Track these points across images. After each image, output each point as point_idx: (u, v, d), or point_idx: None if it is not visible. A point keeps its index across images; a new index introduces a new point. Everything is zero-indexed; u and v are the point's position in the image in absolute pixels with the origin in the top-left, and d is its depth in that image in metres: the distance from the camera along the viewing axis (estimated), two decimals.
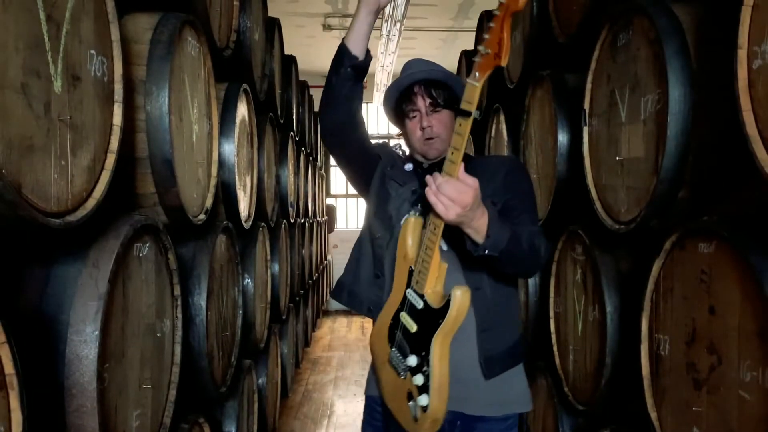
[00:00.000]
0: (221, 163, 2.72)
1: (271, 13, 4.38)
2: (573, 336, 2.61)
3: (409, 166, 1.93)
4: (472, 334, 1.75)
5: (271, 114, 4.14)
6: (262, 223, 3.76)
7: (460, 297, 1.57)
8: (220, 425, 2.83)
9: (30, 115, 1.22)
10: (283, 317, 4.60)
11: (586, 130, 2.38)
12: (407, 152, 2.00)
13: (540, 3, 3.05)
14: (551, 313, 2.85)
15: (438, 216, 1.49)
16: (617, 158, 2.12)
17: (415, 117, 1.83)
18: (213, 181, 2.53)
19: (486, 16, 4.37)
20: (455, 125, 1.49)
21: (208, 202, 2.46)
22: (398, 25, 8.32)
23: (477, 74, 1.44)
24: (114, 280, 1.54)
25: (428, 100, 1.80)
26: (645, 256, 1.94)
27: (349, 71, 1.79)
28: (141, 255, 1.81)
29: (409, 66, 1.88)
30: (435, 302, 1.61)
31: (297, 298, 5.85)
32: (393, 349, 1.72)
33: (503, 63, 1.38)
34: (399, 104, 1.86)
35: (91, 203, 1.48)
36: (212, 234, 2.52)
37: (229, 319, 2.87)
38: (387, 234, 1.87)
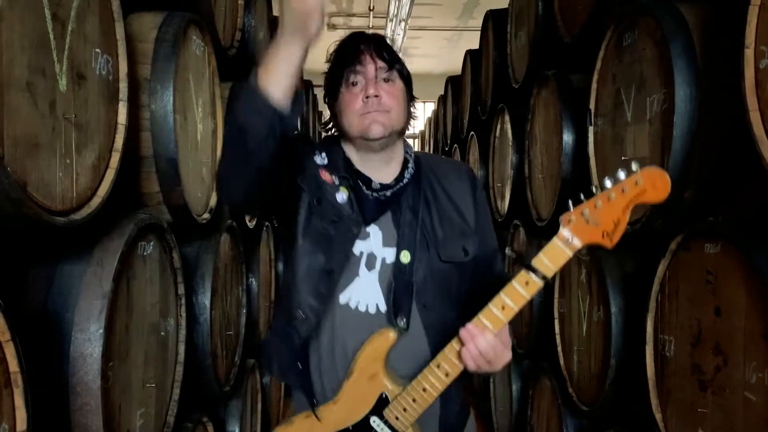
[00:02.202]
0: None
1: (275, 13, 4.38)
2: (577, 337, 2.61)
3: (341, 197, 1.44)
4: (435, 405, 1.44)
5: None
6: (267, 223, 3.76)
7: None
8: (224, 424, 2.83)
9: (35, 113, 1.23)
10: None
11: (591, 130, 2.37)
12: (325, 159, 1.49)
13: (545, 3, 3.04)
14: (555, 314, 2.84)
15: (459, 363, 1.29)
16: (623, 158, 2.11)
17: (356, 84, 1.41)
18: None
19: (492, 17, 4.36)
20: (520, 281, 1.24)
21: (213, 201, 2.46)
22: (403, 24, 8.32)
23: (573, 239, 1.22)
24: (118, 278, 1.55)
25: (379, 62, 1.41)
26: (650, 257, 1.93)
27: (270, 127, 1.21)
28: (145, 254, 1.81)
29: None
30: None
31: None
32: None
33: (610, 247, 1.20)
34: (336, 76, 1.44)
35: (96, 202, 1.48)
36: (216, 233, 2.53)
37: (233, 318, 2.87)
38: (319, 310, 1.43)
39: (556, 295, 2.84)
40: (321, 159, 1.49)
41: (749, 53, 1.43)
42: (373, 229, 1.47)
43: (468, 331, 1.26)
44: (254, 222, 3.35)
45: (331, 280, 1.42)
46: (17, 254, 1.45)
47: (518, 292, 1.24)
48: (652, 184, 1.18)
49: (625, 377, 2.17)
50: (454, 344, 1.31)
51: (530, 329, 3.19)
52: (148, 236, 1.83)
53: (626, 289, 2.20)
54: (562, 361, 2.75)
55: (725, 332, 1.57)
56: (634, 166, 1.19)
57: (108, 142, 1.58)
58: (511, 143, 3.61)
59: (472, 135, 4.96)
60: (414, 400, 1.35)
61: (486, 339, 1.25)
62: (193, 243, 2.42)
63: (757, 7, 1.42)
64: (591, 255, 2.43)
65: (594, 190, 1.24)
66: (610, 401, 2.29)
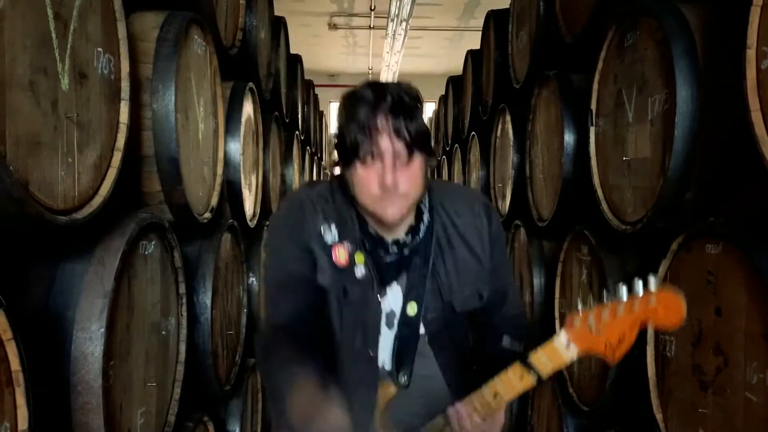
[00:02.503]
0: (227, 161, 2.72)
1: (276, 12, 4.38)
2: None
3: (360, 271, 1.41)
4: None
5: (276, 113, 4.15)
6: (268, 222, 3.76)
7: None
8: (225, 424, 2.83)
9: (37, 112, 1.23)
10: None
11: (592, 131, 2.37)
12: (335, 232, 1.41)
13: (546, 3, 3.04)
14: (556, 314, 2.84)
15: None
16: (624, 158, 2.11)
17: (371, 165, 1.27)
18: (218, 180, 2.53)
19: (493, 17, 4.36)
20: (516, 373, 1.23)
21: (214, 201, 2.47)
22: (404, 24, 8.32)
23: (572, 344, 1.18)
24: (120, 277, 1.55)
25: (397, 145, 1.25)
26: (651, 257, 1.93)
27: None
28: (146, 253, 1.81)
29: (366, 82, 1.34)
30: None
31: None
32: None
33: (612, 362, 1.18)
34: (349, 146, 1.28)
35: (98, 201, 1.48)
36: (217, 232, 2.53)
37: (234, 317, 2.87)
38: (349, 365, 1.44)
39: (557, 295, 2.84)
40: (332, 235, 1.40)
41: (751, 54, 1.43)
42: (393, 286, 1.44)
43: (456, 411, 1.27)
44: (255, 221, 3.35)
45: (365, 345, 1.43)
46: (19, 253, 1.45)
47: (512, 384, 1.24)
48: (665, 308, 1.13)
49: (626, 377, 2.17)
50: (440, 419, 1.33)
51: (531, 329, 3.19)
52: (150, 235, 1.84)
53: None
54: None
55: (726, 333, 1.57)
56: (651, 282, 1.14)
57: (110, 141, 1.58)
58: (512, 143, 3.61)
59: (473, 135, 4.96)
60: None
61: (472, 422, 1.26)
62: (194, 242, 2.43)
63: (759, 8, 1.42)
64: (592, 255, 2.43)
65: (606, 295, 1.19)
66: (610, 401, 2.29)
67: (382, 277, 1.41)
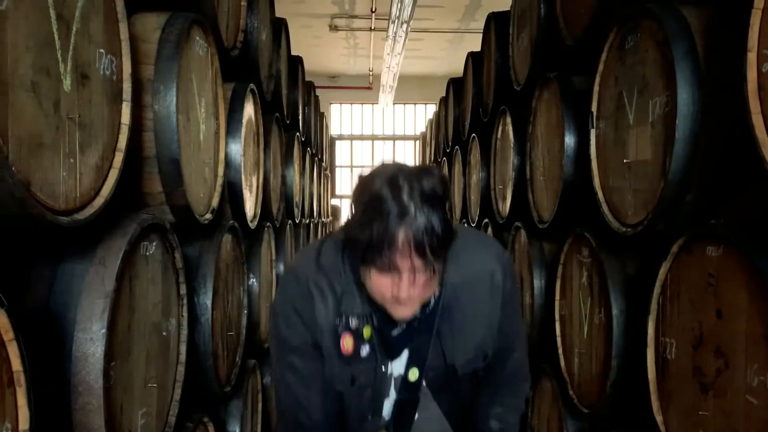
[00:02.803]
0: (228, 162, 2.73)
1: (277, 14, 4.39)
2: (578, 339, 2.61)
3: (365, 350, 1.38)
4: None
5: (277, 114, 4.15)
6: (268, 223, 3.76)
7: None
8: (225, 425, 2.83)
9: (40, 113, 1.23)
10: None
11: (593, 133, 2.38)
12: (344, 317, 1.37)
13: (547, 5, 3.05)
14: (556, 316, 2.84)
15: None
16: (624, 161, 2.11)
17: (388, 276, 1.20)
18: (219, 181, 2.53)
19: (494, 19, 4.38)
20: None
21: (215, 202, 2.47)
22: (405, 26, 8.33)
23: None
24: (121, 278, 1.55)
25: (418, 260, 1.16)
26: (652, 259, 1.94)
27: None
28: (148, 254, 1.82)
29: (387, 182, 1.17)
30: None
31: None
32: None
33: None
34: (363, 240, 1.18)
35: (99, 201, 1.48)
36: (218, 233, 2.53)
37: (234, 318, 2.87)
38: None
39: (557, 296, 2.84)
40: (342, 323, 1.36)
41: (752, 56, 1.43)
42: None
43: None
44: (256, 222, 3.35)
45: (369, 413, 1.45)
46: (20, 253, 1.45)
47: None
48: None
49: (626, 379, 2.17)
50: None
51: (531, 331, 3.19)
52: (151, 236, 1.84)
53: (628, 291, 2.20)
54: (562, 363, 2.75)
55: (727, 335, 1.57)
56: None
57: (111, 142, 1.58)
58: (512, 145, 3.61)
59: (474, 137, 4.97)
60: None
61: None
62: (195, 243, 2.43)
63: (760, 11, 1.42)
64: (592, 257, 2.43)
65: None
66: (611, 403, 2.29)
67: (389, 353, 1.40)
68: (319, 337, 1.38)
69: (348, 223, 1.26)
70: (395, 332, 1.38)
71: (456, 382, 1.46)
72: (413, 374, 1.41)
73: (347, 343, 1.36)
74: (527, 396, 1.52)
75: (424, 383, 1.44)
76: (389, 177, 1.17)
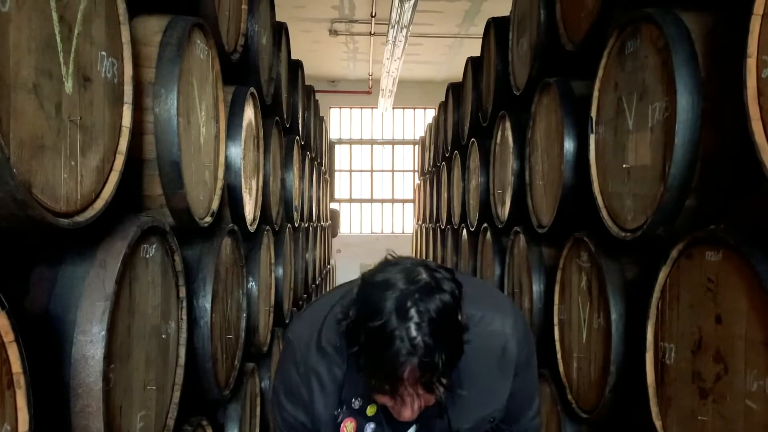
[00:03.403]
0: (228, 166, 2.73)
1: (278, 18, 4.40)
2: (577, 343, 2.61)
3: (370, 428, 1.34)
4: None
5: (277, 118, 4.15)
6: (267, 227, 3.76)
7: None
8: (223, 428, 2.83)
9: (41, 115, 1.23)
10: (287, 321, 4.60)
11: (592, 138, 2.38)
12: (350, 402, 1.34)
13: (547, 10, 3.06)
14: (555, 320, 2.84)
15: None
16: (624, 166, 2.12)
17: (390, 397, 1.18)
18: (219, 184, 2.53)
19: (494, 24, 4.39)
20: None
21: (215, 205, 2.47)
22: (404, 31, 8.34)
23: None
24: (121, 280, 1.55)
25: (422, 391, 1.14)
26: (651, 264, 1.94)
27: None
28: (148, 256, 1.82)
29: (396, 310, 1.11)
30: None
31: (300, 302, 5.85)
32: None
33: None
34: (365, 371, 1.17)
35: (100, 204, 1.48)
36: (218, 237, 2.53)
37: (233, 321, 2.87)
38: None
39: (557, 301, 2.84)
40: (343, 410, 1.34)
41: (751, 62, 1.44)
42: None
43: None
44: (255, 226, 3.35)
45: None
46: (21, 255, 1.45)
47: None
48: None
49: (625, 384, 2.17)
50: None
51: None
52: (151, 239, 1.84)
53: (627, 295, 2.21)
54: (561, 368, 2.75)
55: (726, 340, 1.57)
56: None
57: (112, 144, 1.58)
58: (512, 150, 3.61)
59: (473, 141, 4.97)
60: None
61: None
62: (194, 246, 2.43)
63: (759, 17, 1.42)
64: (592, 262, 2.44)
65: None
66: (609, 408, 2.29)
67: (395, 429, 1.35)
68: (318, 424, 1.35)
69: (350, 332, 1.19)
70: None
71: None
72: None
73: (348, 428, 1.33)
74: None
75: None
76: (397, 303, 1.11)
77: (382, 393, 1.16)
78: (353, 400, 1.33)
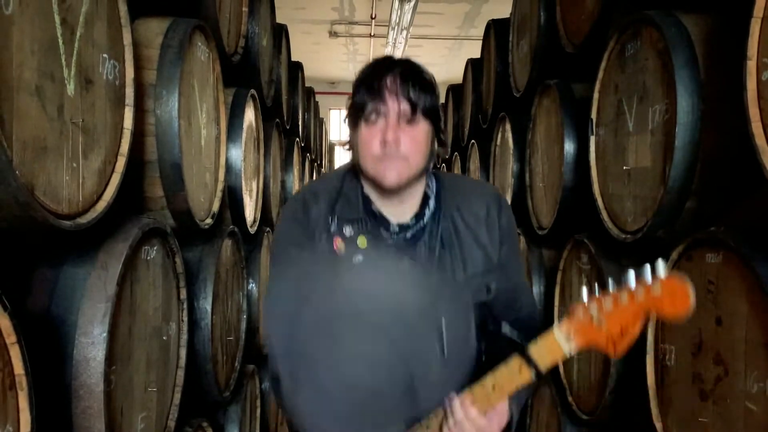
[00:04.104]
0: (228, 167, 2.73)
1: (278, 20, 4.41)
2: None
3: (357, 258, 1.35)
4: None
5: (277, 120, 4.16)
6: (268, 228, 3.76)
7: None
8: (223, 429, 2.83)
9: (43, 117, 1.23)
10: None
11: (593, 140, 2.39)
12: (336, 223, 1.37)
13: (547, 12, 3.06)
14: (556, 322, 2.83)
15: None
16: (624, 168, 2.12)
17: (375, 123, 1.30)
18: (220, 186, 2.54)
19: (494, 26, 4.39)
20: (514, 367, 1.19)
21: (215, 207, 2.47)
22: (404, 33, 8.36)
23: (572, 338, 1.13)
24: (122, 282, 1.55)
25: (403, 104, 1.28)
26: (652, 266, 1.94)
27: None
28: (149, 258, 1.82)
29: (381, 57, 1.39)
30: None
31: None
32: None
33: (613, 356, 1.12)
34: (357, 106, 1.32)
35: (101, 205, 1.49)
36: (218, 238, 2.53)
37: (234, 323, 2.87)
38: None
39: (557, 303, 2.84)
40: (335, 224, 1.37)
41: (751, 65, 1.44)
42: None
43: (452, 403, 1.23)
44: (255, 227, 3.35)
45: None
46: (23, 256, 1.45)
47: (511, 377, 1.19)
48: (671, 296, 1.05)
49: (626, 386, 2.17)
50: (440, 411, 1.27)
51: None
52: (152, 241, 1.84)
53: None
54: (561, 370, 2.75)
55: (726, 342, 1.58)
56: (660, 269, 1.06)
57: (114, 146, 1.59)
58: (512, 152, 3.62)
59: (473, 143, 4.98)
60: None
61: (468, 416, 1.22)
62: (195, 248, 2.43)
63: (759, 20, 1.43)
64: (592, 263, 2.44)
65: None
66: (610, 410, 2.29)
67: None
68: (314, 237, 1.37)
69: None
70: (390, 241, 1.38)
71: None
72: None
73: (340, 244, 1.36)
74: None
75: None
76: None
77: (368, 118, 1.29)
78: (344, 226, 1.37)
